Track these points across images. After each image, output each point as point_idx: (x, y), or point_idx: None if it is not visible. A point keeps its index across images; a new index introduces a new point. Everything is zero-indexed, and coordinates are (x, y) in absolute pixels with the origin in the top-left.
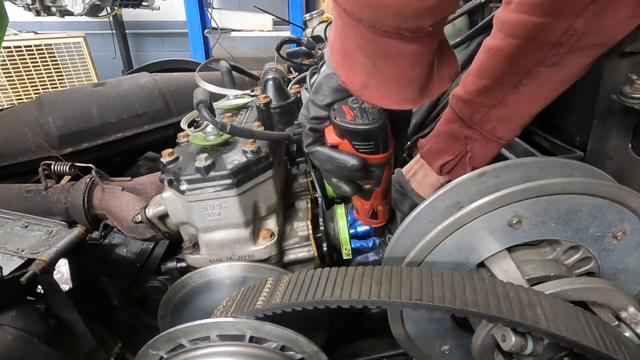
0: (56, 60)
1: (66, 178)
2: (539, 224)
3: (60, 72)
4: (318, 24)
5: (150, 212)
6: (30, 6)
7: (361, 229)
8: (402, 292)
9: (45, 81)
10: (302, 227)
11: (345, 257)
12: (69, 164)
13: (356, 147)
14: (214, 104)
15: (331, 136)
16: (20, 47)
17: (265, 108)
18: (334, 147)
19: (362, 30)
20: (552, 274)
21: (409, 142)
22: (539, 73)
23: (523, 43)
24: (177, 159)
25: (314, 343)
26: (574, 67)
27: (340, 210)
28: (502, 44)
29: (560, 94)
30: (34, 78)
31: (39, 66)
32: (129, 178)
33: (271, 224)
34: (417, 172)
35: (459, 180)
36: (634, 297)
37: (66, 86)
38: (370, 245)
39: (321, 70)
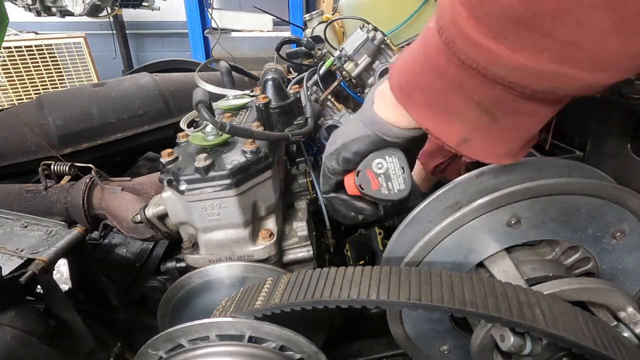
0: (56, 61)
1: (66, 178)
2: (538, 224)
3: (61, 72)
4: (318, 24)
5: (150, 212)
6: (31, 6)
7: None
8: (400, 292)
9: (45, 81)
10: (301, 227)
11: None
12: (69, 164)
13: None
14: (214, 104)
15: (351, 188)
16: (20, 47)
17: (265, 108)
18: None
19: (493, 91)
20: (550, 274)
21: None
22: None
23: None
24: (176, 159)
25: (314, 343)
26: None
27: None
28: None
29: None
30: (34, 78)
31: (39, 66)
32: (129, 178)
33: (270, 224)
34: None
35: (457, 180)
36: (632, 298)
37: (66, 86)
38: None
39: (345, 118)
